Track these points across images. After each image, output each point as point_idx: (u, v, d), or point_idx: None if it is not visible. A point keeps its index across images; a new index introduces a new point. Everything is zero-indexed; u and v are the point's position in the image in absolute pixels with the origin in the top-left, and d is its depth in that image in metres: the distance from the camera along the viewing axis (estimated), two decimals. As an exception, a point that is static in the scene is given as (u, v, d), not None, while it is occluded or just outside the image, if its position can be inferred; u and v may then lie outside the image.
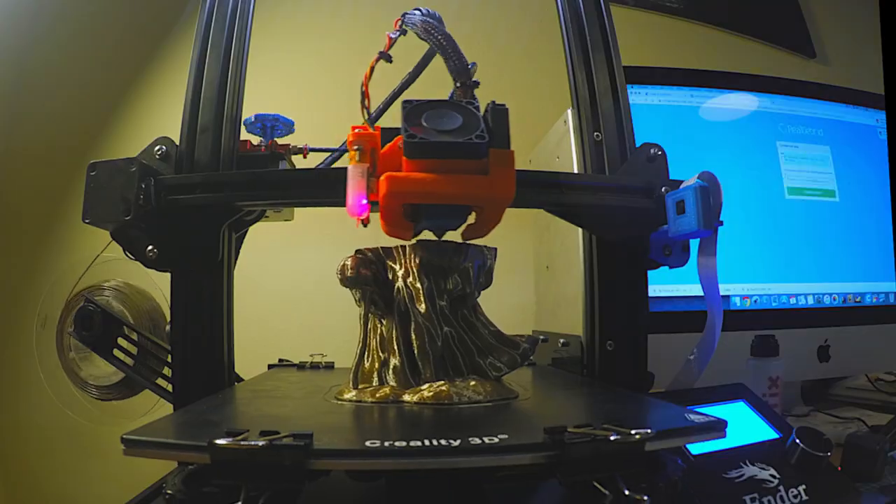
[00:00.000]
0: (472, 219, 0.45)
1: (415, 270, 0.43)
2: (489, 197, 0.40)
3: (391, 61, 0.45)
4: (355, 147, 0.40)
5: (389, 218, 0.41)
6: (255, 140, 0.57)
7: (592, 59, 0.55)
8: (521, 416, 0.40)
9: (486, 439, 0.30)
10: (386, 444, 0.29)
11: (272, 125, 0.58)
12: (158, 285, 0.67)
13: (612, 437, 0.29)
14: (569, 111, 0.60)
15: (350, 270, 0.43)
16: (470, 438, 0.30)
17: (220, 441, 0.28)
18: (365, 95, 0.44)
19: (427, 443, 0.29)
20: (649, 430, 0.30)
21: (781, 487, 0.45)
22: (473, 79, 0.41)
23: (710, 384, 0.56)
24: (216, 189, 0.46)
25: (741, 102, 0.85)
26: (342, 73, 0.45)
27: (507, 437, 0.30)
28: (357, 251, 0.45)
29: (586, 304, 0.55)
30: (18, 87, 1.01)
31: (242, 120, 0.53)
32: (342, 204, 0.41)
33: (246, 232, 0.55)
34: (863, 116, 0.90)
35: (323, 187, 0.45)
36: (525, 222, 0.87)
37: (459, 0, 1.06)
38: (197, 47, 0.51)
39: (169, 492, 0.32)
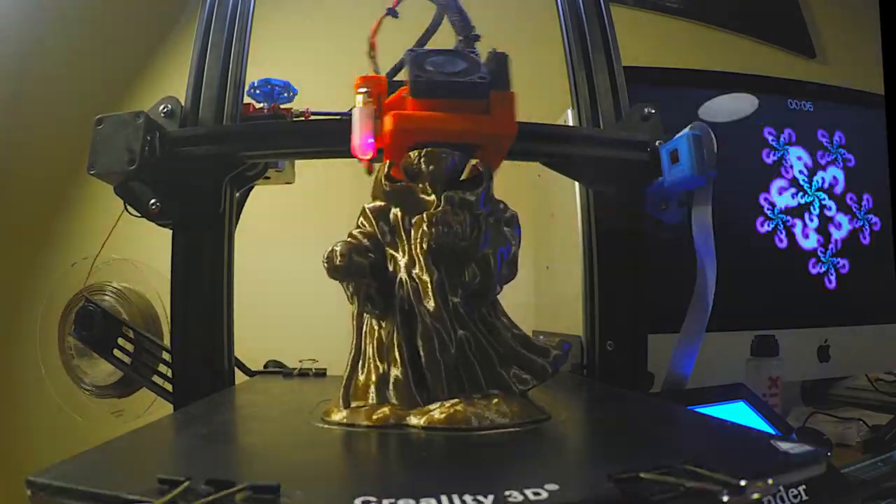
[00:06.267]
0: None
1: (421, 259, 0.35)
2: (491, 134, 0.41)
3: (397, 17, 0.48)
4: (362, 90, 0.41)
5: (396, 157, 0.41)
6: (258, 105, 0.58)
7: (592, 59, 0.55)
8: (563, 449, 0.33)
9: (529, 494, 0.21)
10: (386, 503, 0.21)
11: (275, 91, 0.58)
12: (158, 286, 0.67)
13: (724, 498, 0.21)
14: (569, 111, 0.60)
15: (339, 258, 0.35)
16: (506, 493, 0.21)
17: None
18: (372, 47, 0.46)
19: (445, 502, 0.21)
20: (771, 482, 0.22)
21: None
22: (476, 34, 0.45)
23: (710, 384, 0.56)
24: (220, 141, 0.48)
25: (741, 102, 0.85)
26: (344, 41, 0.47)
27: (557, 489, 0.21)
28: (350, 235, 0.38)
29: (586, 303, 0.55)
30: (18, 87, 1.01)
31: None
32: (341, 154, 0.43)
33: (248, 193, 0.56)
34: (862, 116, 0.90)
35: (323, 137, 0.48)
36: (525, 222, 0.86)
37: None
38: (197, 47, 0.52)
39: None
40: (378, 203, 0.38)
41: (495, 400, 0.34)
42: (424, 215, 0.36)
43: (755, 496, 0.21)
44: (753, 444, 0.30)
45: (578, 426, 0.38)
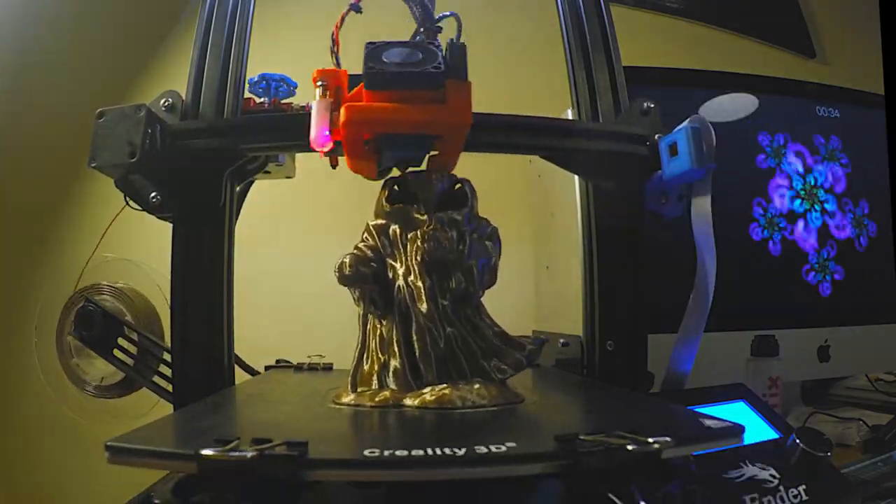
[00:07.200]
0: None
1: (416, 268, 0.42)
2: (446, 123, 0.41)
3: (360, 12, 0.48)
4: (319, 83, 0.42)
5: (352, 150, 0.43)
6: (259, 100, 0.58)
7: (592, 59, 0.55)
8: (528, 421, 0.39)
9: (492, 448, 0.28)
10: (386, 453, 0.27)
11: (276, 85, 0.58)
12: (158, 284, 0.67)
13: (629, 447, 0.28)
14: (569, 111, 0.60)
15: (348, 268, 0.42)
16: (476, 447, 0.28)
17: (206, 451, 0.27)
18: (335, 42, 0.47)
19: (430, 452, 0.28)
20: (668, 439, 0.28)
21: (781, 487, 0.45)
22: (438, 25, 0.46)
23: (710, 384, 0.56)
24: (221, 134, 0.48)
25: (740, 102, 0.85)
26: (345, 36, 0.47)
27: (514, 445, 0.29)
28: (356, 248, 0.44)
29: (586, 303, 0.55)
30: (18, 87, 1.01)
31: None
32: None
33: (248, 188, 0.56)
34: (862, 116, 0.90)
35: None
36: (525, 222, 0.87)
37: (460, 0, 1.05)
38: (198, 41, 0.52)
39: (157, 501, 0.31)
40: (379, 221, 0.45)
41: (477, 386, 0.41)
42: (418, 232, 0.43)
43: (656, 446, 0.28)
44: (683, 420, 0.38)
45: (546, 407, 0.43)
